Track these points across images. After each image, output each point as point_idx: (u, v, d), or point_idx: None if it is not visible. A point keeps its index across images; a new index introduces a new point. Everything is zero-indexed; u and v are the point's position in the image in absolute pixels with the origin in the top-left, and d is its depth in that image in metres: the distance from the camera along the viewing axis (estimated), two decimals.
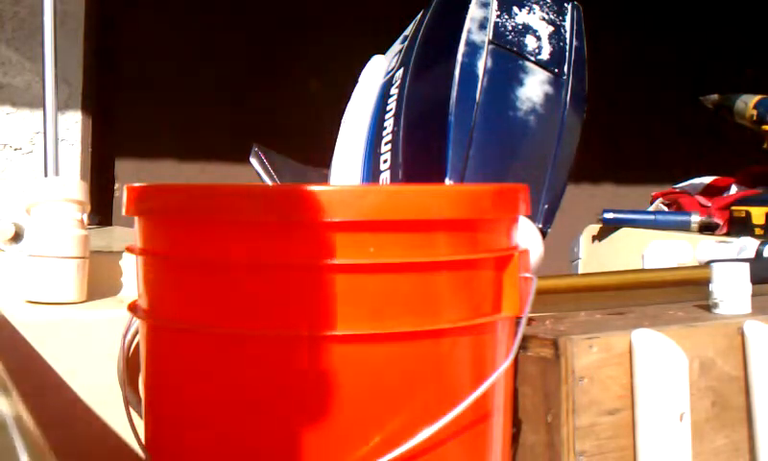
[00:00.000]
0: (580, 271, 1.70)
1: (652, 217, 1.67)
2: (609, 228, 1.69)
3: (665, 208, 1.76)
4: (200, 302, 0.62)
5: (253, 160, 1.58)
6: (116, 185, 2.28)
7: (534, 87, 1.34)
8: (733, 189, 1.66)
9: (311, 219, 0.59)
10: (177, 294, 0.64)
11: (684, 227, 1.62)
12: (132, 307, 0.71)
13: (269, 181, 1.56)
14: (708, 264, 1.11)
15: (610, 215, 1.67)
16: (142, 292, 0.69)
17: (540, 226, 1.31)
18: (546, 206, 1.29)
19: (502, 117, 1.34)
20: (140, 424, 0.69)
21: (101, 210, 2.15)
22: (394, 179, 1.36)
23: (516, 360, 0.85)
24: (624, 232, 1.67)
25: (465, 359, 0.64)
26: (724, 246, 1.23)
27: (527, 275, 0.68)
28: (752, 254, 1.21)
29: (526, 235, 0.85)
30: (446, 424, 0.62)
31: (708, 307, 0.99)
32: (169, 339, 0.65)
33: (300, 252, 0.59)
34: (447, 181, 1.27)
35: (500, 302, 0.65)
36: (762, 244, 1.22)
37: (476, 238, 0.65)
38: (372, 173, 1.42)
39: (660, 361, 0.82)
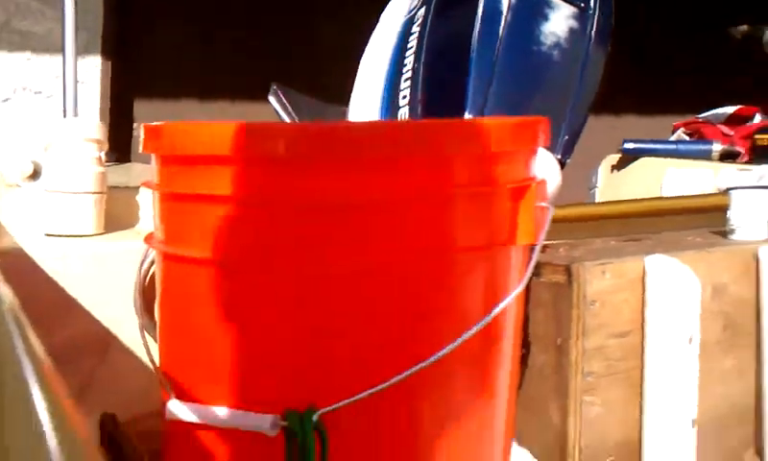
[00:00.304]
0: (597, 200, 1.69)
1: (673, 146, 1.65)
2: (628, 158, 1.68)
3: (687, 138, 1.73)
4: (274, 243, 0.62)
5: (272, 99, 1.58)
6: (135, 125, 2.29)
7: (559, 22, 1.32)
8: (758, 118, 1.64)
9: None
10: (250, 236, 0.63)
11: (706, 155, 1.60)
12: (149, 239, 0.72)
13: (287, 120, 1.56)
14: (726, 191, 1.11)
15: (630, 145, 1.65)
16: (160, 225, 0.70)
17: (560, 157, 1.30)
18: (566, 138, 1.28)
19: (525, 52, 1.32)
20: (155, 349, 0.70)
21: (120, 149, 2.17)
22: (412, 114, 1.36)
23: (528, 286, 0.86)
24: (644, 162, 1.66)
25: (479, 282, 0.65)
26: (744, 173, 1.22)
27: (543, 204, 0.68)
28: None
29: (544, 166, 0.84)
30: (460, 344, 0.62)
31: (725, 233, 0.98)
32: (208, 275, 0.65)
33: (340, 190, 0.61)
34: (467, 116, 1.26)
35: (516, 229, 0.66)
36: None
37: (495, 169, 0.66)
38: (390, 108, 1.41)
39: (672, 286, 0.82)
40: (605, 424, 0.80)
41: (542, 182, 0.69)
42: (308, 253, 0.61)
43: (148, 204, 0.89)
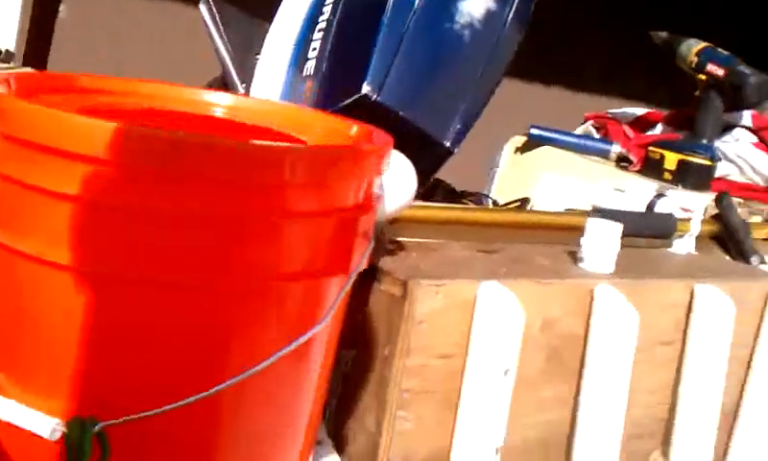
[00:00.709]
0: (496, 181, 1.71)
1: (576, 140, 1.67)
2: (534, 143, 1.70)
3: (594, 131, 1.76)
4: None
5: (203, 6, 1.54)
6: (62, 7, 2.20)
7: (477, 2, 1.31)
8: (659, 128, 1.67)
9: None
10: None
11: (605, 154, 1.63)
12: None
13: (214, 32, 1.53)
14: (588, 213, 1.14)
15: (536, 131, 1.67)
16: None
17: (449, 145, 1.32)
18: (459, 127, 1.29)
19: (436, 29, 1.31)
20: None
21: (39, 35, 2.09)
22: (317, 71, 1.35)
23: (370, 290, 0.88)
24: (547, 150, 1.68)
25: (288, 311, 0.67)
26: (617, 195, 1.25)
27: (367, 235, 0.69)
28: (643, 206, 1.24)
29: (399, 173, 0.85)
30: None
31: (576, 259, 1.02)
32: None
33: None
34: (365, 87, 1.25)
35: (335, 258, 0.67)
36: (656, 197, 1.25)
37: (321, 196, 0.66)
38: (299, 59, 1.40)
39: (498, 316, 0.85)
40: (415, 439, 0.85)
41: (369, 214, 0.70)
42: (126, 259, 0.61)
43: None
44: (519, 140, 1.72)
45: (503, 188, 1.69)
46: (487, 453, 0.85)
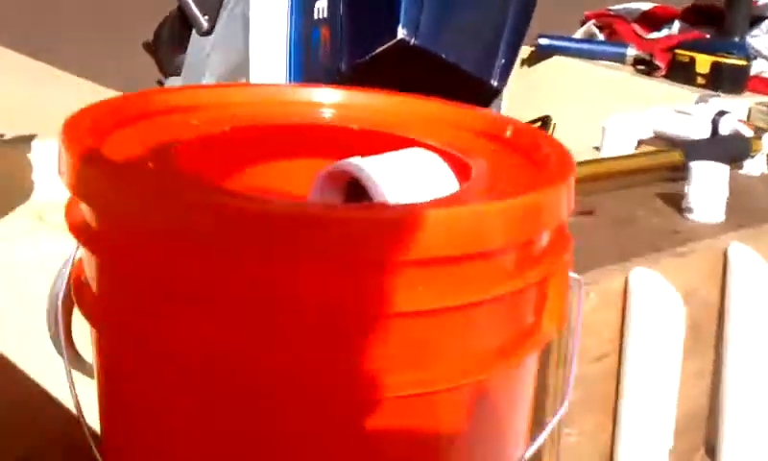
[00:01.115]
0: (505, 98, 1.61)
1: (588, 46, 1.57)
2: (540, 54, 1.59)
3: (597, 31, 1.66)
4: None
5: None
6: None
7: None
8: (676, 25, 1.58)
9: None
10: None
11: (620, 59, 1.54)
12: (77, 227, 0.53)
13: None
14: (679, 149, 1.06)
15: (545, 41, 1.56)
16: None
17: (495, 83, 1.20)
18: (503, 61, 1.17)
19: None
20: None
21: None
22: (332, 14, 1.18)
23: None
24: (557, 61, 1.58)
25: (504, 399, 0.54)
26: (682, 118, 1.17)
27: (573, 275, 0.57)
28: (708, 127, 1.16)
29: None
30: None
31: (681, 209, 0.94)
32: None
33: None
34: (400, 31, 1.11)
35: (541, 319, 0.55)
36: (718, 114, 1.17)
37: (521, 259, 0.52)
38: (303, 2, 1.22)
39: (654, 307, 0.77)
40: (581, 452, 0.77)
41: (569, 255, 0.56)
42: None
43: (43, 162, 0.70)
44: (524, 51, 1.61)
45: (514, 105, 1.59)
46: (658, 456, 0.78)
